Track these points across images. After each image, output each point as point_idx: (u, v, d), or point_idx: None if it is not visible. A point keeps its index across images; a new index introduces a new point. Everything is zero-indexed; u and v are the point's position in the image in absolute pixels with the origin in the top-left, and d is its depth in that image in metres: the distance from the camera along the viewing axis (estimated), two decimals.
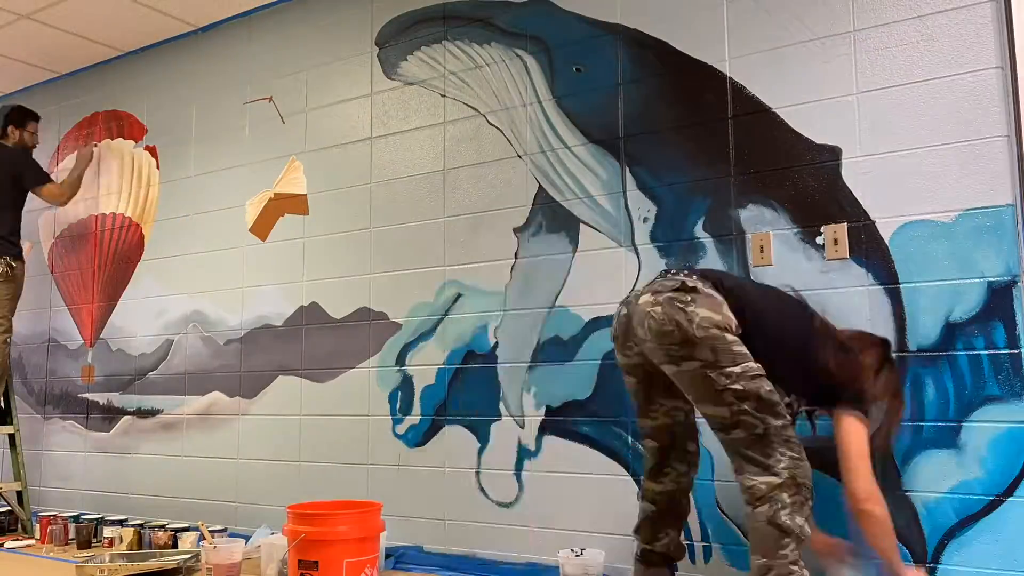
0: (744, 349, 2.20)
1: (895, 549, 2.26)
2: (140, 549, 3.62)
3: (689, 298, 2.22)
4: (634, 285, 2.97)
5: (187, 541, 3.58)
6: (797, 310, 2.41)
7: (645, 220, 2.98)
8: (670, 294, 2.24)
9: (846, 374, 2.28)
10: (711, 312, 2.20)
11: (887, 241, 2.55)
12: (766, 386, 2.18)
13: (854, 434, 2.23)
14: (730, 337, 2.19)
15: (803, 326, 2.35)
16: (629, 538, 2.89)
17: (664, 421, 2.45)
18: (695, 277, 2.29)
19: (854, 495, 2.22)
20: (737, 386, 2.16)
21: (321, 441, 3.69)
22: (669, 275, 2.34)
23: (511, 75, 3.34)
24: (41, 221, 5.00)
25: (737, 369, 2.17)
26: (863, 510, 2.22)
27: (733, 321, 2.23)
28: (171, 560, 3.28)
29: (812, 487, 2.18)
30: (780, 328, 2.31)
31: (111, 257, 4.62)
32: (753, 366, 2.19)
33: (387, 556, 3.26)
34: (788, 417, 2.21)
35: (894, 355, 2.48)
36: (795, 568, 2.11)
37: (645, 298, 2.29)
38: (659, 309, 2.23)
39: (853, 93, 2.64)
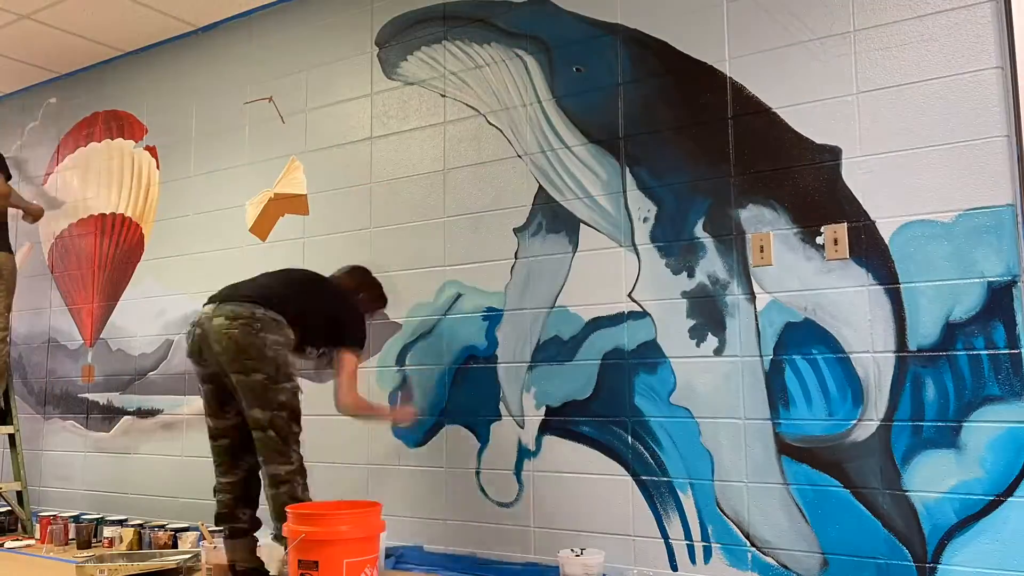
0: (293, 361, 2.92)
1: (372, 409, 3.36)
2: (140, 549, 3.62)
3: (260, 326, 2.84)
4: (634, 285, 2.97)
5: (187, 541, 3.58)
6: (310, 286, 3.13)
7: (645, 220, 2.98)
8: (244, 321, 2.83)
9: (350, 323, 3.10)
10: (277, 335, 2.86)
11: (887, 241, 2.55)
12: (297, 401, 2.90)
13: (347, 362, 3.03)
14: (289, 356, 2.90)
15: (317, 295, 3.10)
16: (629, 538, 2.90)
17: (234, 421, 2.94)
18: (259, 307, 2.87)
19: (339, 405, 3.09)
20: (282, 397, 2.84)
21: (321, 441, 3.68)
22: (236, 301, 2.89)
23: (511, 75, 3.34)
24: (41, 221, 4.99)
25: (288, 384, 2.87)
26: (346, 413, 3.18)
27: (292, 336, 2.92)
28: (171, 560, 3.29)
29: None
30: (304, 304, 3.00)
31: (111, 257, 4.62)
32: (297, 384, 2.92)
33: (387, 556, 3.26)
34: (301, 426, 2.92)
35: (892, 355, 2.48)
36: None
37: (219, 321, 2.85)
38: (237, 332, 2.82)
39: (853, 93, 2.65)
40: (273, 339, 2.85)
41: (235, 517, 2.98)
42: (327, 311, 3.07)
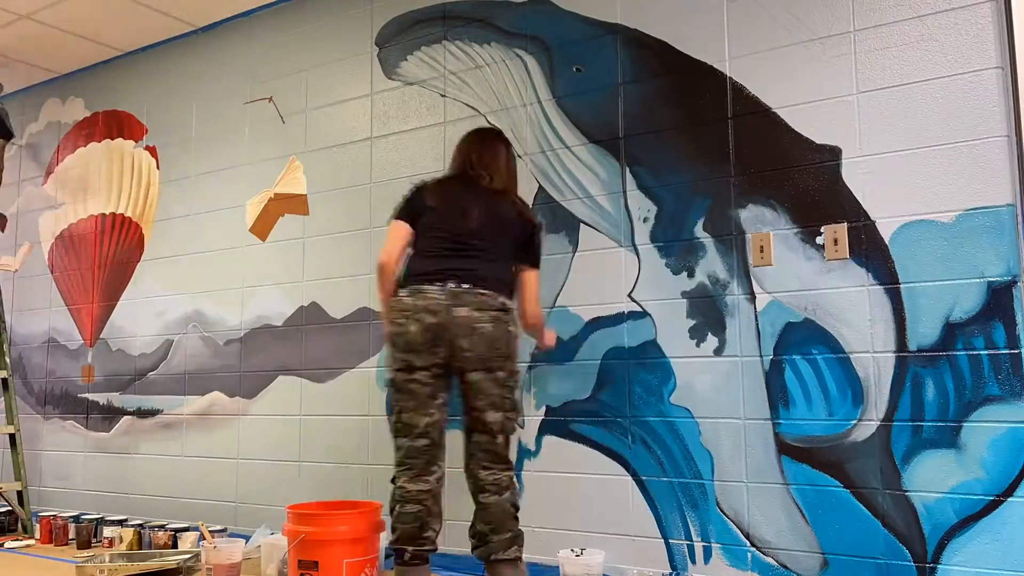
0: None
1: (542, 326, 2.90)
2: (140, 549, 3.62)
3: (509, 319, 2.66)
4: (634, 285, 2.97)
5: (187, 541, 3.58)
6: (504, 235, 2.76)
7: (645, 220, 2.98)
8: (495, 313, 2.62)
9: (534, 245, 2.81)
10: (517, 327, 2.70)
11: (887, 241, 2.55)
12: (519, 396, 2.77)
13: (531, 279, 2.78)
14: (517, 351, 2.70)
15: (511, 243, 2.79)
16: (629, 538, 2.90)
17: (439, 417, 2.66)
18: (501, 297, 2.66)
19: (528, 317, 2.79)
20: (516, 396, 2.69)
21: (321, 441, 3.69)
22: (474, 291, 2.62)
23: (511, 75, 3.34)
24: (41, 221, 5.00)
25: (519, 384, 2.74)
26: (530, 325, 2.82)
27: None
28: (171, 560, 3.29)
29: None
30: (513, 264, 2.76)
31: (111, 257, 4.62)
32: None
33: (387, 556, 3.25)
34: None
35: (892, 355, 2.50)
36: (523, 532, 2.67)
37: (466, 312, 2.59)
38: (489, 327, 2.60)
39: (853, 93, 2.64)
40: (517, 333, 2.69)
41: (424, 537, 2.61)
42: (518, 247, 2.77)
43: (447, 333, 2.58)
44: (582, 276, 3.09)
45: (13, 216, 5.15)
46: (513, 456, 2.76)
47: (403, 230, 2.76)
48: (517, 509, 2.66)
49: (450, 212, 2.72)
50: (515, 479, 2.70)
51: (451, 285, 2.61)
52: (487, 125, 3.21)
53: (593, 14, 3.17)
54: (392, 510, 2.64)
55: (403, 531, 2.59)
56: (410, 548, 2.59)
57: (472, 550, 2.67)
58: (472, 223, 2.69)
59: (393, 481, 2.67)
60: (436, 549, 2.65)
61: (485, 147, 2.85)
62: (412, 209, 2.78)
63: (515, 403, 2.69)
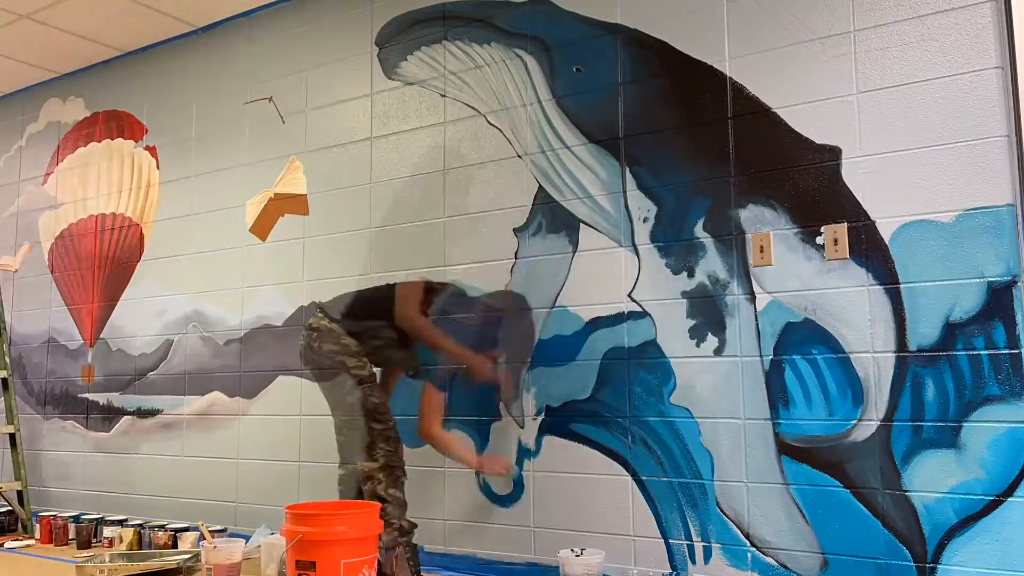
0: (358, 363, 2.99)
1: (457, 448, 3.20)
2: (140, 549, 3.62)
3: (316, 335, 3.03)
4: (634, 285, 2.97)
5: (187, 541, 3.58)
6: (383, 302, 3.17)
7: (645, 220, 2.98)
8: (305, 332, 3.07)
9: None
10: (332, 344, 3.00)
11: (887, 241, 2.55)
12: (372, 399, 2.96)
13: (427, 391, 3.21)
14: (347, 360, 2.98)
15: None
16: (629, 538, 2.90)
17: None
18: (316, 316, 3.09)
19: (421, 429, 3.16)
20: (349, 399, 2.98)
21: (321, 441, 3.68)
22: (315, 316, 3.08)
23: (511, 75, 3.34)
24: (41, 221, 5.00)
25: (349, 384, 2.97)
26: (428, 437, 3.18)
27: (352, 343, 3.00)
28: (171, 560, 3.29)
29: (403, 466, 3.00)
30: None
31: (111, 257, 4.62)
32: (363, 374, 2.98)
33: None
34: (389, 422, 2.99)
35: (892, 355, 2.49)
36: (393, 522, 2.93)
37: (302, 334, 3.11)
38: (302, 344, 3.09)
39: (853, 93, 2.64)
40: (328, 348, 3.00)
41: None
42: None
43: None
44: (582, 276, 3.09)
45: (13, 216, 5.15)
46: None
47: None
48: (378, 498, 2.92)
49: None
50: (376, 469, 2.94)
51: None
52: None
53: (593, 14, 3.17)
54: None
55: None
56: None
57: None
58: None
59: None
60: None
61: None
62: None
63: (349, 405, 3.01)
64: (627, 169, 3.03)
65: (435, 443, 3.19)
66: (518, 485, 3.16)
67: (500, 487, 3.19)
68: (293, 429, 3.78)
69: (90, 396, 4.59)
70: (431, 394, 3.19)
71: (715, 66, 2.89)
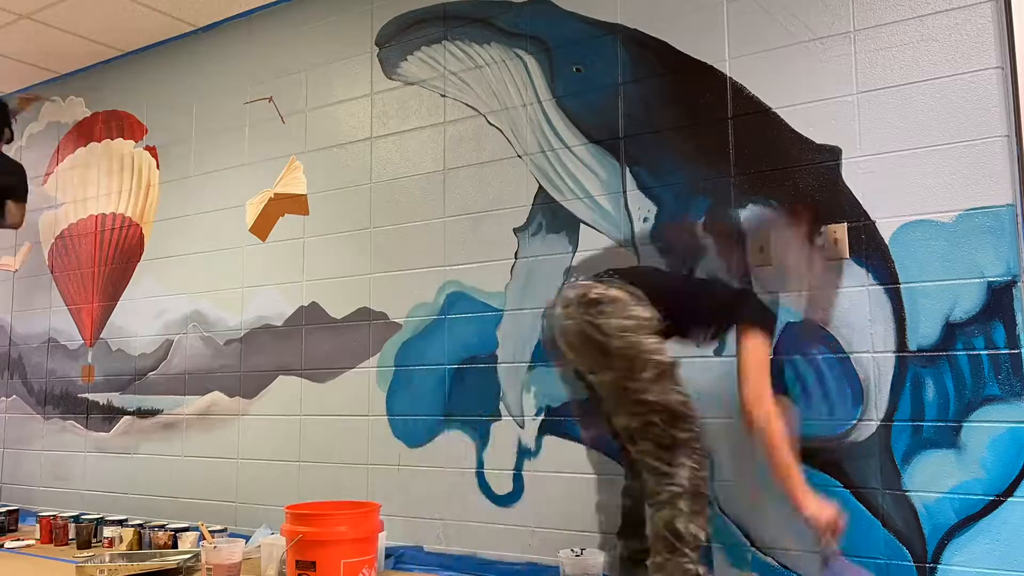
0: (658, 346, 2.22)
1: (792, 467, 2.23)
2: (140, 549, 3.62)
3: (596, 310, 2.23)
4: None
5: (187, 541, 3.58)
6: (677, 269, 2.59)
7: (645, 220, 2.98)
8: (576, 305, 2.28)
9: (744, 288, 2.44)
10: (620, 319, 2.22)
11: (887, 241, 2.55)
12: (677, 396, 2.22)
13: (751, 349, 2.29)
14: (645, 341, 2.21)
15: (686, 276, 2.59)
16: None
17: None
18: (595, 284, 2.31)
19: (743, 400, 2.26)
20: (649, 396, 2.19)
21: (321, 441, 3.69)
22: (576, 282, 2.37)
23: (511, 75, 3.34)
24: (41, 221, 5.00)
25: (648, 374, 2.19)
26: (748, 412, 2.24)
27: (645, 314, 2.24)
28: (171, 560, 3.29)
29: (709, 495, 2.26)
30: (676, 285, 2.50)
31: (111, 257, 4.62)
32: (666, 362, 2.21)
33: (387, 556, 3.26)
34: (696, 429, 2.24)
35: (892, 355, 2.50)
36: (690, 568, 2.17)
37: (559, 310, 2.33)
38: (571, 323, 2.27)
39: (853, 93, 2.64)
40: (616, 324, 2.21)
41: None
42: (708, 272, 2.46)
43: (553, 338, 2.44)
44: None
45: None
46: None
47: None
48: (673, 532, 2.21)
49: None
50: (676, 496, 2.20)
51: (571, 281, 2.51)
52: None
53: (593, 14, 3.17)
54: None
55: None
56: None
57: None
58: None
59: None
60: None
61: None
62: None
63: (641, 402, 2.23)
64: (627, 169, 3.03)
65: (767, 429, 2.24)
66: (517, 484, 3.16)
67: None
68: (293, 429, 3.78)
69: (90, 396, 4.59)
70: (758, 345, 2.29)
71: (715, 66, 2.89)
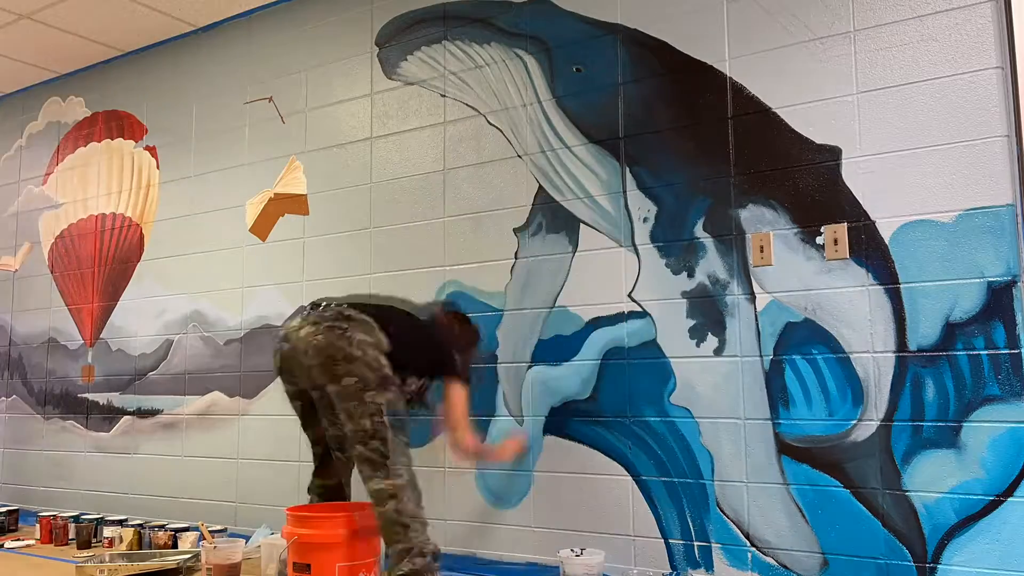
0: (387, 363, 2.62)
1: (486, 450, 2.99)
2: (140, 549, 3.62)
3: (347, 325, 2.61)
4: (634, 285, 2.97)
5: (187, 541, 3.58)
6: (415, 319, 2.87)
7: (645, 220, 2.98)
8: (329, 323, 2.62)
9: (452, 350, 2.84)
10: (365, 335, 2.61)
11: (887, 241, 2.55)
12: (399, 404, 2.64)
13: (457, 396, 2.81)
14: (382, 359, 2.61)
15: (421, 326, 2.86)
16: (629, 538, 2.90)
17: (319, 433, 2.83)
18: (347, 307, 2.68)
19: (458, 448, 2.87)
20: (380, 402, 2.56)
21: None
22: (321, 308, 2.70)
23: (511, 75, 3.34)
24: (41, 221, 5.00)
25: (385, 391, 2.59)
26: (464, 457, 2.96)
27: (384, 340, 2.63)
28: (171, 560, 3.29)
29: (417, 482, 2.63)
30: (400, 320, 2.78)
31: (111, 257, 4.62)
32: (392, 378, 2.62)
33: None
34: (408, 433, 2.68)
35: (892, 355, 2.50)
36: (427, 544, 2.55)
37: (306, 330, 2.65)
38: (321, 337, 2.60)
39: (853, 93, 2.64)
40: (360, 338, 2.59)
41: None
42: (425, 333, 2.85)
43: (295, 357, 2.69)
44: (582, 276, 3.09)
45: (13, 216, 5.15)
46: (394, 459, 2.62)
47: None
48: (408, 518, 2.53)
49: None
50: (402, 487, 2.55)
51: (306, 311, 2.75)
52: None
53: (593, 14, 3.17)
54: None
55: None
56: None
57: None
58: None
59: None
60: None
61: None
62: None
63: (376, 407, 2.56)
64: (627, 169, 3.03)
65: (479, 454, 2.95)
66: (517, 484, 3.16)
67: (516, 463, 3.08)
68: (293, 429, 3.77)
69: (90, 396, 4.59)
70: (460, 394, 2.83)
71: (715, 66, 2.89)
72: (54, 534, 3.93)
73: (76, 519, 3.93)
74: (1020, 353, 2.35)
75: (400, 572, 2.50)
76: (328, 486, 2.91)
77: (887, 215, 2.55)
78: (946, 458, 2.42)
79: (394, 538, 2.53)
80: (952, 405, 2.43)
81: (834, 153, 2.66)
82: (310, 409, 2.81)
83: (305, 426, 2.90)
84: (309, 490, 2.96)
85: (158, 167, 4.49)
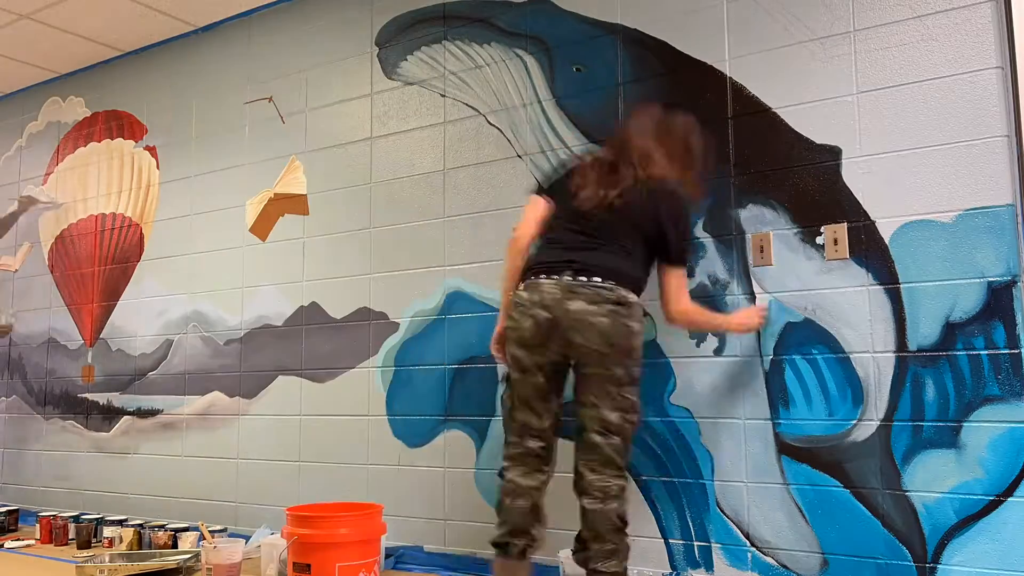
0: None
1: (709, 316, 2.68)
2: (140, 549, 3.62)
3: (627, 312, 2.43)
4: None
5: (187, 541, 3.58)
6: (631, 229, 2.55)
7: None
8: (612, 306, 2.41)
9: (676, 238, 2.54)
10: (640, 325, 2.48)
11: (887, 241, 2.55)
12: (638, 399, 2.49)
13: (674, 275, 2.55)
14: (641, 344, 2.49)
15: (638, 238, 2.56)
16: (629, 538, 2.89)
17: (550, 422, 2.56)
18: (616, 286, 2.44)
19: (672, 313, 2.58)
20: (633, 397, 2.45)
21: (321, 441, 3.69)
22: (590, 284, 2.44)
23: (511, 75, 3.34)
24: (41, 221, 5.00)
25: (636, 375, 2.47)
26: (679, 322, 2.62)
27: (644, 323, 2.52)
28: (171, 560, 3.29)
29: None
30: (641, 259, 2.54)
31: (111, 257, 4.62)
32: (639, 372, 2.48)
33: (387, 556, 3.26)
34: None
35: (892, 355, 2.50)
36: (629, 552, 2.47)
37: (578, 305, 2.41)
38: (607, 321, 2.40)
39: (853, 93, 2.64)
40: (638, 328, 2.45)
41: (532, 533, 2.53)
42: (651, 241, 2.54)
43: (559, 328, 2.43)
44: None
45: (13, 216, 5.15)
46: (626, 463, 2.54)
47: (540, 209, 2.63)
48: (624, 523, 2.44)
49: (584, 198, 2.54)
50: (626, 489, 2.46)
51: (567, 277, 2.44)
52: (662, 107, 2.77)
53: (593, 14, 3.17)
54: (500, 503, 2.55)
55: (513, 524, 2.50)
56: (520, 542, 2.50)
57: (572, 553, 2.60)
58: (601, 212, 2.51)
59: (501, 475, 2.58)
60: (538, 547, 2.56)
61: (644, 130, 2.64)
62: (555, 188, 2.65)
63: (634, 404, 2.45)
64: None
65: (697, 315, 2.60)
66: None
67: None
68: (293, 429, 3.78)
69: (90, 396, 4.59)
70: (677, 275, 2.56)
71: (715, 66, 2.89)
72: (54, 534, 3.93)
73: (76, 519, 3.93)
74: (1020, 353, 2.35)
75: (608, 570, 2.40)
76: (538, 488, 2.55)
77: (887, 215, 2.55)
78: (946, 458, 2.42)
79: (606, 536, 2.41)
80: (952, 405, 2.43)
81: (834, 153, 2.66)
82: (545, 389, 2.51)
83: (530, 409, 2.53)
84: (512, 493, 2.54)
85: (158, 167, 4.49)
